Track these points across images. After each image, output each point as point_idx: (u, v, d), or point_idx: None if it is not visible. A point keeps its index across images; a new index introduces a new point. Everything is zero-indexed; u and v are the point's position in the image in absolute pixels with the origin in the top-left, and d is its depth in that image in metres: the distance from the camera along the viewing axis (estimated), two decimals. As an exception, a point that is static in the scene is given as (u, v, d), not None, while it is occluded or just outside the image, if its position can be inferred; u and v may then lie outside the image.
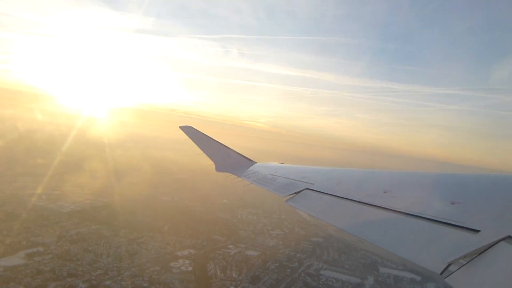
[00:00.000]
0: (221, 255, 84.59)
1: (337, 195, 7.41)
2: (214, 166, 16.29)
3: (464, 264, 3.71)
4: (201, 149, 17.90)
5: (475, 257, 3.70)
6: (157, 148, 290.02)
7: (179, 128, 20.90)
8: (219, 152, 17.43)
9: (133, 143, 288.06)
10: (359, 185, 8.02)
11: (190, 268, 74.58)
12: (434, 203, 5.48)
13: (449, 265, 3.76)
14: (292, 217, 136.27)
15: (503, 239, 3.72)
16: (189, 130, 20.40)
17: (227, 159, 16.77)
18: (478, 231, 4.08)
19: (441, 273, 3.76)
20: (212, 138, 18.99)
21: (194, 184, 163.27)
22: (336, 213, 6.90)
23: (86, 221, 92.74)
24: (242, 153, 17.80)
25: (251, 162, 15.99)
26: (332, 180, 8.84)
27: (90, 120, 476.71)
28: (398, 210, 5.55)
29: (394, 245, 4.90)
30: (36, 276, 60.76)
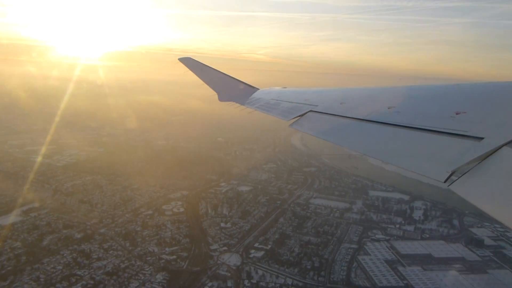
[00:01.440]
0: (213, 194, 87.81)
1: (341, 114, 7.42)
2: (216, 96, 16.27)
3: (467, 171, 3.78)
4: (202, 79, 17.72)
5: (479, 163, 3.75)
6: (153, 91, 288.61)
7: (178, 61, 20.40)
8: (221, 81, 17.28)
9: (129, 89, 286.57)
10: (363, 103, 8.14)
11: (182, 209, 77.91)
12: (439, 115, 5.52)
13: (452, 173, 3.80)
14: (286, 149, 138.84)
15: (506, 144, 3.80)
16: (188, 62, 19.95)
17: (229, 88, 16.66)
18: (481, 138, 4.14)
19: (445, 181, 3.81)
20: (212, 68, 18.75)
21: (189, 125, 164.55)
22: (341, 132, 7.04)
23: (82, 173, 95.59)
24: None
25: (253, 89, 15.82)
26: (336, 100, 8.85)
27: (87, 68, 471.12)
28: (402, 124, 5.58)
29: (398, 158, 5.03)
30: (32, 231, 64.28)
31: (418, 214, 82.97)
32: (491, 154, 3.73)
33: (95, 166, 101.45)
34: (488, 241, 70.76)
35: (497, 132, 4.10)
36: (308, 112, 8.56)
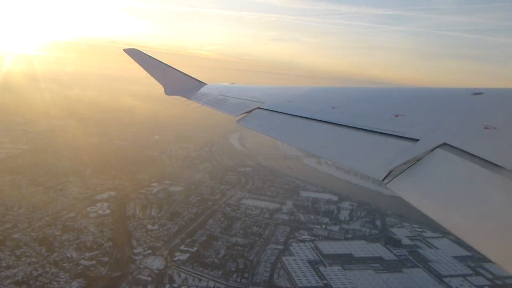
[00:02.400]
0: (143, 194, 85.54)
1: (288, 112, 7.55)
2: (159, 92, 15.68)
3: (403, 171, 3.93)
4: (148, 72, 16.94)
5: (414, 163, 3.94)
6: (90, 85, 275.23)
7: (123, 52, 19.29)
8: (168, 74, 16.73)
9: (64, 82, 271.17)
10: (309, 102, 8.27)
11: (108, 211, 75.15)
12: (379, 116, 5.72)
13: (390, 172, 4.00)
14: (224, 149, 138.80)
15: (439, 146, 4.01)
16: (134, 53, 18.99)
17: (176, 81, 16.17)
18: (417, 140, 4.36)
19: (383, 180, 3.98)
20: (159, 61, 17.96)
21: (126, 122, 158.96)
22: (287, 130, 7.23)
23: (0, 173, 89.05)
24: None
25: (201, 84, 15.50)
26: (283, 99, 8.98)
27: (20, 59, 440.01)
28: (345, 124, 5.75)
29: (340, 157, 5.19)
30: None
31: (344, 215, 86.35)
32: (425, 155, 3.97)
33: (17, 165, 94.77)
34: (405, 241, 75.37)
35: (432, 134, 4.36)
36: (255, 109, 8.68)
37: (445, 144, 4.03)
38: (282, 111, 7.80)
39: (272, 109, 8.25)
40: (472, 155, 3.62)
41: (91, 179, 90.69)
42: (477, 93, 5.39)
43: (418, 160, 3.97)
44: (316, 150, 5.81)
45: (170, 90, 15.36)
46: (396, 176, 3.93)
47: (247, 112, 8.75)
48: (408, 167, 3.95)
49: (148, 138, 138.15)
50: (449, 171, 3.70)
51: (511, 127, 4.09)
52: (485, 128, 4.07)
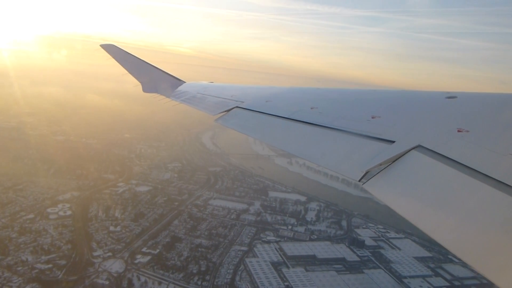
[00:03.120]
0: (108, 195, 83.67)
1: (267, 112, 7.57)
2: (140, 87, 15.36)
3: (379, 172, 4.04)
4: (126, 68, 16.41)
5: (389, 164, 4.05)
6: (60, 81, 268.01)
7: (100, 47, 18.66)
8: (146, 71, 16.30)
9: (33, 78, 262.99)
10: (288, 102, 8.33)
11: (69, 212, 73.19)
12: (357, 118, 5.85)
13: (366, 173, 4.09)
14: (195, 148, 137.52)
15: (414, 148, 4.14)
16: (111, 49, 18.31)
17: (154, 79, 15.79)
18: (393, 141, 4.48)
19: (359, 180, 4.07)
20: (137, 57, 17.45)
21: (96, 120, 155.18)
22: (265, 130, 7.33)
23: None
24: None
25: (180, 81, 15.20)
26: (262, 98, 8.99)
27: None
28: (323, 125, 5.80)
29: (318, 157, 5.23)
30: None
31: (311, 215, 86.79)
32: (401, 156, 4.10)
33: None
34: (369, 242, 76.33)
35: (407, 136, 4.50)
36: (234, 108, 8.69)
37: (420, 146, 4.16)
38: (261, 111, 7.84)
39: (251, 109, 8.30)
40: (445, 157, 3.76)
41: (54, 178, 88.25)
42: (451, 96, 5.58)
43: (394, 161, 4.10)
44: (294, 150, 5.90)
45: (147, 88, 15.28)
46: (372, 177, 4.07)
47: (225, 111, 8.77)
48: (384, 168, 4.09)
49: (117, 136, 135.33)
50: (424, 173, 3.85)
51: (483, 131, 4.23)
52: (458, 131, 4.22)
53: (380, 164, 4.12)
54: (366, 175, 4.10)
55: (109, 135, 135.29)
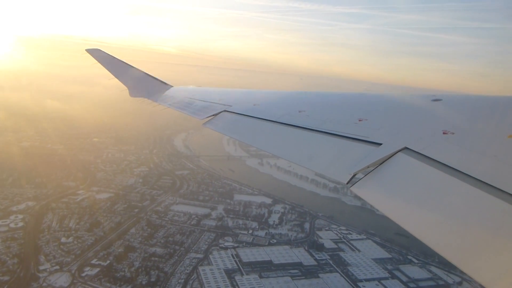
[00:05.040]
0: (65, 204, 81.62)
1: (255, 115, 7.60)
2: (127, 91, 15.38)
3: (367, 174, 4.07)
4: (112, 73, 16.40)
5: (377, 167, 4.08)
6: (33, 84, 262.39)
7: (86, 52, 18.42)
8: (133, 76, 16.37)
9: (5, 80, 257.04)
10: (275, 106, 8.57)
11: (21, 224, 71.12)
12: (344, 120, 5.89)
13: (354, 175, 4.12)
14: (165, 151, 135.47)
15: (400, 150, 4.17)
16: (97, 54, 18.11)
17: (141, 83, 15.85)
18: (380, 144, 4.50)
19: (347, 183, 4.10)
20: (123, 62, 17.33)
21: (66, 124, 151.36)
22: (253, 133, 7.45)
23: None
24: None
25: (167, 86, 15.33)
26: (249, 102, 9.05)
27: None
28: (311, 128, 5.82)
29: (306, 160, 5.34)
30: None
31: (274, 219, 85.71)
32: (388, 159, 4.13)
33: None
34: (329, 244, 75.41)
35: (393, 139, 4.54)
36: (222, 111, 8.72)
37: (406, 148, 4.20)
38: (249, 114, 7.84)
39: (239, 112, 8.30)
40: (431, 159, 3.79)
41: (11, 188, 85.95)
42: (436, 99, 5.71)
43: (381, 163, 4.11)
44: (282, 153, 5.98)
45: (135, 92, 15.20)
46: (360, 179, 4.08)
47: (213, 115, 8.78)
48: (371, 171, 4.10)
49: (86, 140, 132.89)
50: (410, 174, 3.90)
51: (467, 133, 4.38)
52: (444, 133, 4.30)
53: (368, 167, 4.16)
54: (354, 178, 4.14)
55: (77, 139, 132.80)
